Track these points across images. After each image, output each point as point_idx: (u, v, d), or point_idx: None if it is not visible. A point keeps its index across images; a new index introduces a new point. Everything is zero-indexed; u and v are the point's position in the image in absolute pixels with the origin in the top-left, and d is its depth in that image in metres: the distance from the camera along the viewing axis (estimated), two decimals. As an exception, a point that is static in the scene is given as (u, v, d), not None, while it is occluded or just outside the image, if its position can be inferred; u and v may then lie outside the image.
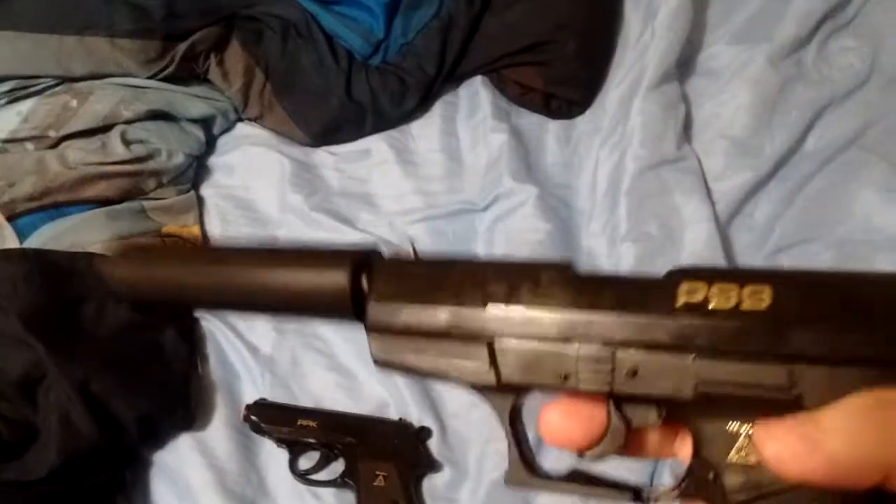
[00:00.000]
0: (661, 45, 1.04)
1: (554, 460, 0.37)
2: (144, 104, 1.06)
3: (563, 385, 0.33)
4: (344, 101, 1.11)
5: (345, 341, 0.94)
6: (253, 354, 0.94)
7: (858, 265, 0.90)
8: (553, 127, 1.10)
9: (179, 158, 1.04)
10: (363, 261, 0.38)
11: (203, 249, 0.46)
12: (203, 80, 1.13)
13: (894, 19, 1.09)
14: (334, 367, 0.93)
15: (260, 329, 0.96)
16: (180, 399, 0.86)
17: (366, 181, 1.09)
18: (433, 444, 0.87)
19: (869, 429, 0.26)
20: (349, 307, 0.37)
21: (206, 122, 1.11)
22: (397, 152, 1.10)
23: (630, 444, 0.33)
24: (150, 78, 1.09)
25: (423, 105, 1.13)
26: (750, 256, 0.96)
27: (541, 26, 1.10)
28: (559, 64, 1.10)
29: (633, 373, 0.31)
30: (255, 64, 1.13)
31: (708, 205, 0.96)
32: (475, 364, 0.34)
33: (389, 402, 0.90)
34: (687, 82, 1.09)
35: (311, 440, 0.87)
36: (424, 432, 0.87)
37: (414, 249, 0.37)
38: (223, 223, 1.05)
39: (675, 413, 0.32)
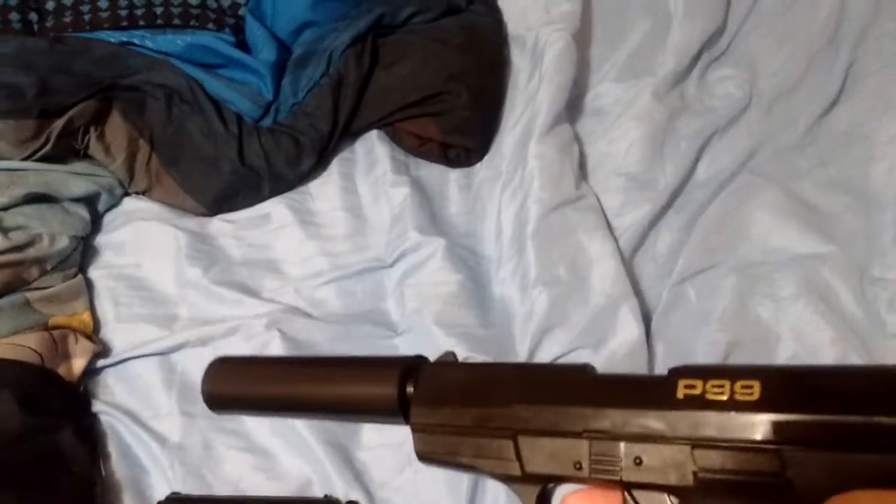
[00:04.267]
0: (550, 88, 1.05)
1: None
2: (21, 188, 0.99)
3: (576, 474, 0.37)
4: (237, 166, 1.08)
5: (258, 419, 0.90)
6: (160, 444, 0.88)
7: (760, 287, 0.93)
8: (454, 176, 1.10)
9: (63, 242, 0.98)
10: (410, 369, 0.44)
11: (274, 366, 0.55)
12: (84, 156, 1.08)
13: (767, 45, 1.14)
14: (250, 448, 0.88)
15: (166, 415, 0.91)
16: (84, 505, 0.80)
17: (267, 247, 1.06)
18: (362, 518, 0.84)
19: None
20: (398, 412, 0.43)
21: (90, 200, 1.05)
22: (298, 214, 1.07)
23: None
24: (25, 159, 1.02)
25: (319, 164, 1.11)
26: (657, 288, 0.97)
27: (432, 77, 1.10)
28: (453, 113, 1.09)
29: (639, 462, 0.35)
30: (138, 135, 1.08)
31: (611, 241, 0.97)
32: (503, 457, 0.39)
33: (313, 479, 0.86)
34: (578, 122, 1.10)
35: (232, 531, 0.82)
36: (352, 507, 0.84)
37: (454, 354, 0.45)
38: (116, 306, 0.99)
39: (684, 500, 0.34)
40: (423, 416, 0.42)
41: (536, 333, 0.91)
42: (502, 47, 1.17)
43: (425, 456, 0.42)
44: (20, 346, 0.87)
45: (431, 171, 1.10)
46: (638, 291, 0.95)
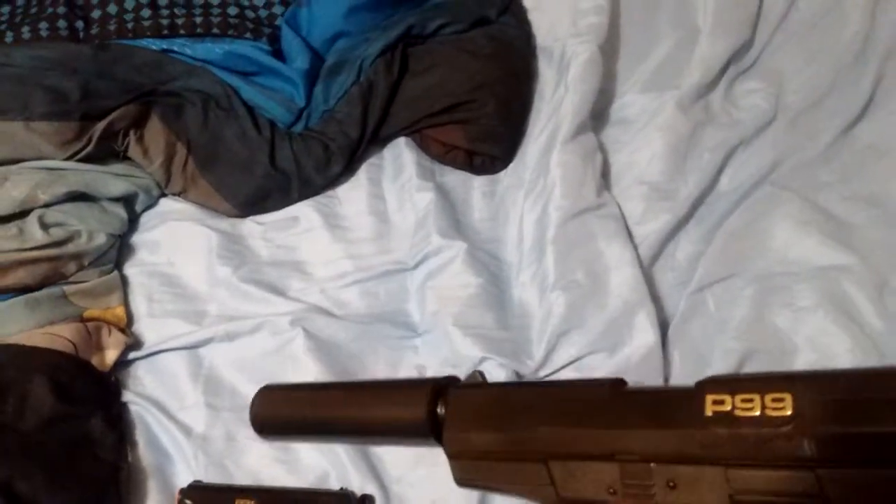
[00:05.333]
0: (574, 98, 1.07)
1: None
2: (63, 186, 1.04)
3: (611, 499, 0.35)
4: (269, 170, 1.11)
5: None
6: (185, 435, 0.91)
7: (779, 297, 0.93)
8: (478, 183, 1.12)
9: (101, 239, 1.02)
10: (439, 391, 0.44)
11: (314, 393, 0.58)
12: (123, 157, 1.12)
13: (794, 60, 1.14)
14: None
15: (191, 407, 0.94)
16: (110, 491, 0.83)
17: (295, 249, 1.09)
18: (377, 512, 0.86)
19: None
20: (429, 434, 0.44)
21: (127, 200, 1.10)
22: (325, 217, 1.10)
23: None
24: (67, 159, 1.07)
25: (348, 169, 1.14)
26: (675, 297, 0.98)
27: (460, 87, 1.13)
28: (480, 122, 1.12)
29: (672, 485, 0.33)
30: (176, 139, 1.12)
31: (630, 249, 0.98)
32: (537, 482, 0.38)
33: (330, 472, 0.88)
34: (602, 132, 1.12)
35: (250, 519, 0.84)
36: (367, 501, 0.86)
37: (482, 375, 0.47)
38: (149, 302, 1.03)
39: None
40: (456, 442, 0.42)
41: (553, 336, 0.92)
42: (530, 59, 1.19)
43: (464, 482, 0.43)
44: (56, 335, 0.91)
45: (456, 178, 1.12)
46: (656, 299, 0.96)
